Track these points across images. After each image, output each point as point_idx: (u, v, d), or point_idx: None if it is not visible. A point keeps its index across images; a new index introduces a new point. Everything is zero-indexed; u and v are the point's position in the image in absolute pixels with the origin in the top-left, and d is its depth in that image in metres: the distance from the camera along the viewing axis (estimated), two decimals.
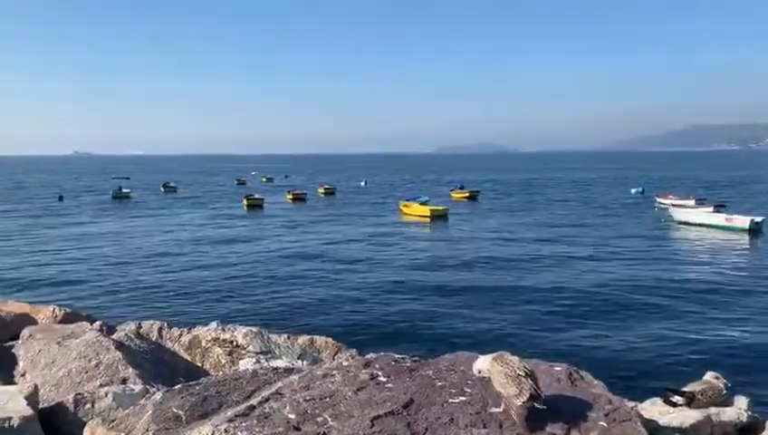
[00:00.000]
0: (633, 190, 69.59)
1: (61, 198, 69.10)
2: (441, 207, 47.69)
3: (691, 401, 4.64)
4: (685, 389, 4.78)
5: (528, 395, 3.16)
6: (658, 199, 54.91)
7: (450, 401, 3.58)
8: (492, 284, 22.59)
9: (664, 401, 4.86)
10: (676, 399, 4.74)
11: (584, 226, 39.72)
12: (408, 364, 4.23)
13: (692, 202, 49.74)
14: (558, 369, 4.10)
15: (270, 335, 6.88)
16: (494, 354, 3.52)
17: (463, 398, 3.62)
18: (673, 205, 47.64)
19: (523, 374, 3.26)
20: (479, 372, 3.54)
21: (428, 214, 46.25)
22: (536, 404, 3.21)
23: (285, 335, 7.20)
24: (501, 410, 3.42)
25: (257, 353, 6.22)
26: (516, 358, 3.45)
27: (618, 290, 21.21)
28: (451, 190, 71.12)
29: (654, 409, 4.80)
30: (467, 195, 65.84)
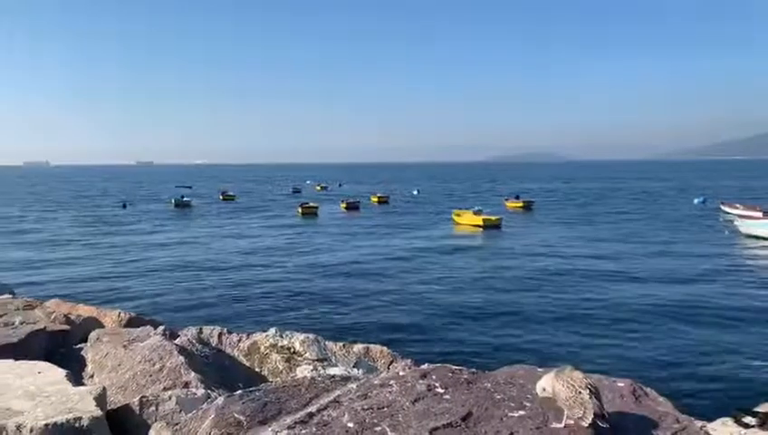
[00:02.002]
0: (696, 201, 67.17)
1: (124, 206, 71.78)
2: (494, 217, 47.14)
3: (764, 422, 4.42)
4: (758, 409, 4.55)
5: (592, 416, 3.08)
6: (724, 208, 52.67)
7: (510, 414, 3.52)
8: (546, 297, 22.12)
9: (735, 422, 4.64)
10: (749, 420, 4.52)
11: (644, 239, 38.24)
12: (466, 376, 4.18)
13: (759, 214, 47.00)
14: (621, 385, 3.98)
15: (326, 343, 6.93)
16: (556, 370, 3.44)
17: (522, 412, 3.55)
18: (740, 216, 45.48)
19: (587, 392, 3.17)
20: (543, 390, 3.47)
21: (481, 223, 45.79)
22: (599, 423, 3.13)
23: (341, 343, 7.24)
24: (562, 425, 3.35)
25: (314, 361, 6.27)
26: (580, 373, 3.36)
27: (679, 306, 20.46)
28: (505, 199, 70.29)
29: (724, 429, 4.59)
30: (522, 205, 64.89)
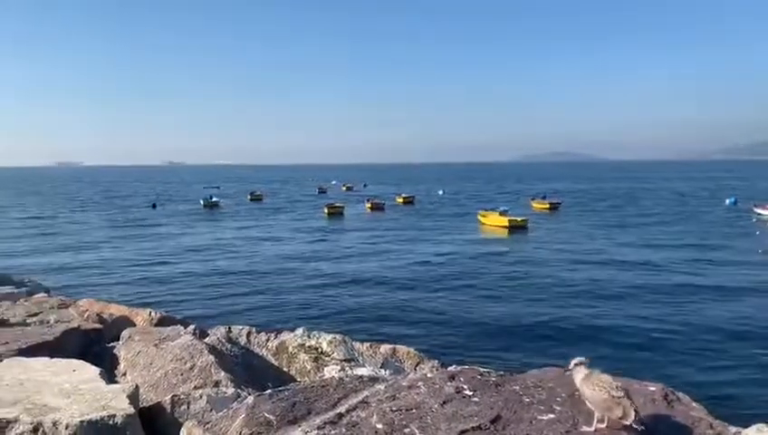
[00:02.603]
0: (727, 201, 65.85)
1: (154, 206, 72.85)
2: (520, 219, 46.74)
3: None
4: None
5: (634, 415, 3.05)
6: (756, 210, 51.55)
7: (539, 417, 3.50)
8: (572, 299, 21.86)
9: None
10: None
11: (672, 242, 37.39)
12: (494, 379, 4.17)
13: None
14: (653, 389, 3.92)
15: (353, 343, 6.96)
16: (585, 373, 3.41)
17: (552, 415, 3.53)
18: None
19: (623, 393, 3.15)
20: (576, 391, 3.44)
21: (506, 224, 45.46)
22: (635, 425, 3.10)
23: (368, 344, 7.26)
24: (593, 429, 3.32)
25: (341, 361, 6.31)
26: (608, 376, 3.33)
27: (709, 310, 20.08)
28: (532, 200, 69.66)
29: None
30: (548, 205, 64.23)
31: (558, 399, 3.73)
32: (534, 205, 65.94)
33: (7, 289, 9.50)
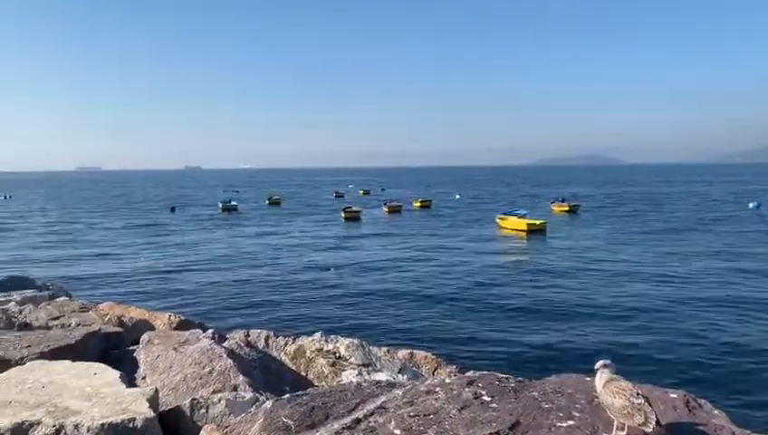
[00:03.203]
0: (750, 205, 64.92)
1: (173, 210, 73.51)
2: (538, 221, 46.45)
3: None
4: None
5: (655, 422, 3.02)
6: None
7: (558, 424, 3.47)
8: (592, 305, 21.56)
9: None
10: None
11: (694, 245, 36.81)
12: (513, 384, 4.15)
13: None
14: (674, 396, 3.87)
15: (371, 348, 6.97)
16: (607, 378, 3.37)
17: (571, 422, 3.50)
18: None
19: (643, 399, 3.12)
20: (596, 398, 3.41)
21: (525, 228, 45.18)
22: (654, 433, 3.06)
23: (385, 348, 7.27)
24: None
25: (359, 366, 6.32)
26: (628, 383, 3.30)
27: (731, 316, 19.77)
28: (551, 203, 69.22)
29: None
30: (568, 208, 63.76)
31: (577, 405, 3.70)
32: (554, 208, 65.52)
33: (30, 293, 9.64)
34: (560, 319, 19.53)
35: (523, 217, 49.18)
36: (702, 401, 3.86)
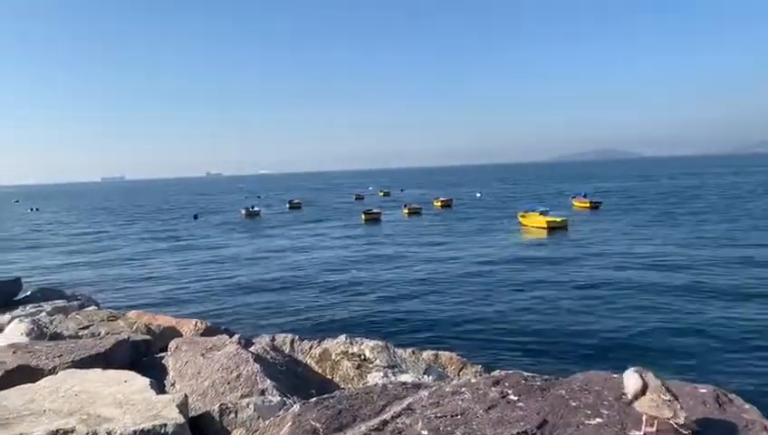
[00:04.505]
0: None
1: (196, 217, 74.26)
2: (559, 219, 46.08)
3: None
4: None
5: (684, 416, 3.00)
6: None
7: (586, 422, 3.46)
8: (615, 302, 21.26)
9: None
10: None
11: (720, 240, 36.00)
12: (539, 383, 4.14)
13: None
14: (703, 391, 3.84)
15: (395, 349, 6.98)
16: (635, 374, 3.35)
17: (600, 419, 3.48)
18: None
19: (671, 395, 3.10)
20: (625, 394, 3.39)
21: (545, 225, 44.86)
22: (682, 430, 3.04)
23: (410, 350, 7.27)
24: (641, 434, 3.26)
25: (384, 368, 6.34)
26: (657, 379, 3.28)
27: (760, 309, 19.40)
28: (573, 199, 68.63)
29: None
30: (589, 204, 63.14)
31: (605, 403, 3.68)
32: (575, 204, 64.96)
33: (60, 303, 9.83)
34: (583, 317, 19.34)
35: (544, 213, 48.79)
36: (732, 396, 3.81)
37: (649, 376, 3.29)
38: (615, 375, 4.06)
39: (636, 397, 3.23)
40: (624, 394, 3.40)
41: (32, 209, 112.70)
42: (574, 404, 3.72)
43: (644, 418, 3.24)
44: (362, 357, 6.58)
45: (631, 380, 3.33)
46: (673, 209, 56.80)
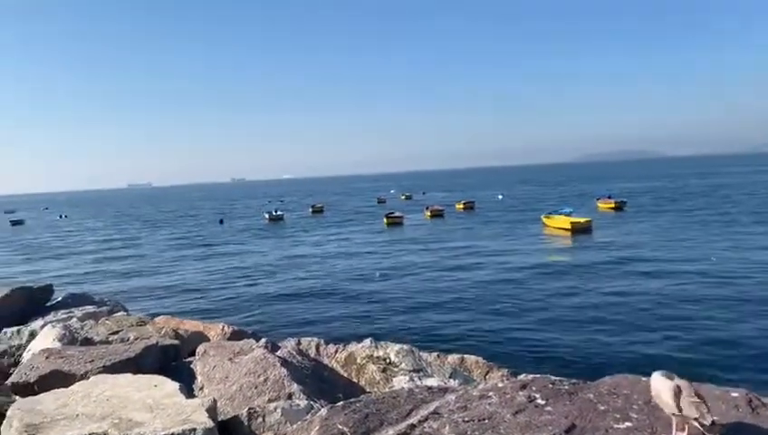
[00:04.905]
0: None
1: (221, 222, 75.10)
2: (583, 219, 45.61)
3: None
4: None
5: (711, 418, 2.96)
6: None
7: (615, 426, 3.43)
8: (641, 305, 20.90)
9: None
10: None
11: (749, 241, 35.27)
12: (567, 387, 4.11)
13: None
14: (735, 395, 3.78)
15: (421, 353, 6.99)
16: (662, 376, 3.32)
17: (629, 423, 3.45)
18: None
19: (696, 397, 3.07)
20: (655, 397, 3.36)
21: (569, 226, 44.44)
22: (709, 432, 3.00)
23: (435, 354, 7.27)
24: None
25: (410, 371, 6.35)
26: (684, 381, 3.25)
27: None
28: (597, 200, 67.92)
29: None
30: (614, 205, 62.39)
31: (634, 406, 3.65)
32: (600, 205, 64.28)
33: (90, 308, 10.01)
34: (609, 321, 19.11)
35: (568, 215, 48.39)
36: (766, 400, 3.75)
37: (676, 378, 3.26)
38: (644, 379, 4.02)
39: (665, 399, 3.20)
40: (653, 397, 3.37)
41: (61, 216, 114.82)
42: (603, 408, 3.69)
43: (674, 421, 3.21)
44: (387, 361, 6.60)
45: (659, 382, 3.30)
46: (700, 209, 55.86)
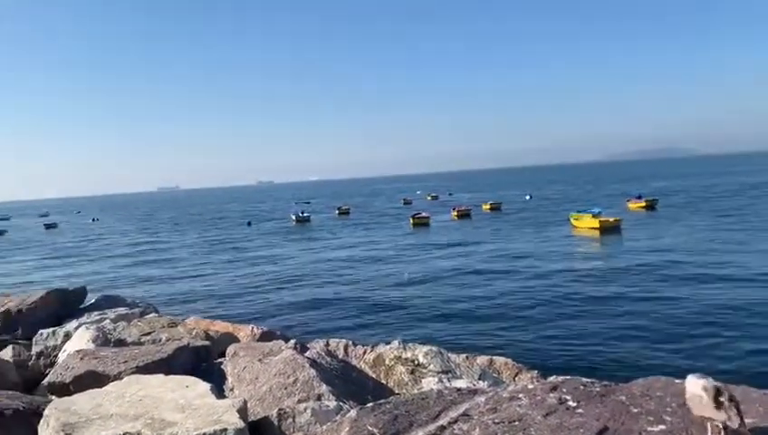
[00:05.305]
0: None
1: (249, 224, 75.86)
2: (612, 219, 45.00)
3: None
4: None
5: (738, 422, 2.90)
6: None
7: (649, 429, 3.38)
8: (669, 308, 20.47)
9: None
10: None
11: None
12: (598, 389, 4.06)
13: None
14: None
15: (449, 355, 6.96)
16: (695, 378, 3.26)
17: (663, 426, 3.39)
18: None
19: (727, 398, 3.01)
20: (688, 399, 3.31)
21: (597, 226, 43.88)
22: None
23: (464, 355, 7.24)
24: None
25: (438, 373, 6.33)
26: (716, 382, 3.19)
27: None
28: (627, 200, 66.86)
29: None
30: (644, 205, 61.35)
31: (668, 409, 3.58)
32: (630, 205, 63.28)
33: (122, 310, 10.19)
34: (640, 323, 18.78)
35: (597, 215, 47.83)
36: None
37: (710, 380, 3.20)
38: (677, 381, 3.95)
39: (698, 401, 3.15)
40: (687, 400, 3.31)
41: (93, 220, 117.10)
42: (635, 411, 3.63)
43: (709, 425, 3.15)
44: (416, 362, 6.59)
45: (693, 384, 3.25)
46: (736, 209, 54.44)
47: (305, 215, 76.01)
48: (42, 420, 4.77)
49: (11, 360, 8.05)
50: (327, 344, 7.67)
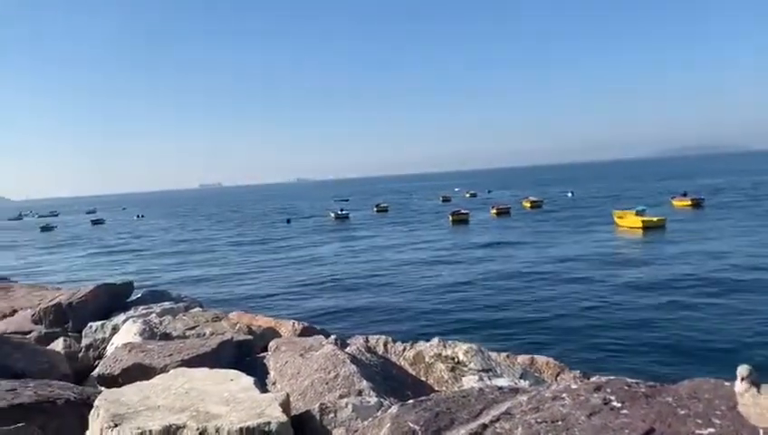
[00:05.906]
0: None
1: (288, 221, 76.75)
2: (656, 218, 43.97)
3: None
4: None
5: None
6: None
7: (697, 431, 3.30)
8: (719, 306, 19.96)
9: None
10: None
11: None
12: (643, 390, 3.98)
13: None
14: None
15: (489, 353, 6.91)
16: (748, 381, 3.18)
17: (711, 429, 3.31)
18: None
19: None
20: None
21: (640, 225, 42.94)
22: None
23: (504, 354, 7.18)
24: None
25: (479, 371, 6.29)
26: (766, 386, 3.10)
27: None
28: (672, 198, 65.18)
29: None
30: (690, 203, 59.70)
31: (717, 412, 3.49)
32: (675, 203, 61.68)
33: (168, 305, 10.42)
34: (685, 323, 18.33)
35: (641, 212, 46.76)
36: None
37: (762, 385, 3.11)
38: (727, 383, 3.85)
39: (746, 405, 3.07)
40: (737, 403, 3.23)
41: (138, 216, 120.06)
42: (683, 412, 3.55)
43: (761, 429, 3.07)
44: (456, 360, 6.56)
45: (742, 386, 3.17)
46: None
47: (344, 212, 76.48)
48: (92, 411, 4.92)
49: (62, 352, 8.32)
50: (366, 340, 7.71)
